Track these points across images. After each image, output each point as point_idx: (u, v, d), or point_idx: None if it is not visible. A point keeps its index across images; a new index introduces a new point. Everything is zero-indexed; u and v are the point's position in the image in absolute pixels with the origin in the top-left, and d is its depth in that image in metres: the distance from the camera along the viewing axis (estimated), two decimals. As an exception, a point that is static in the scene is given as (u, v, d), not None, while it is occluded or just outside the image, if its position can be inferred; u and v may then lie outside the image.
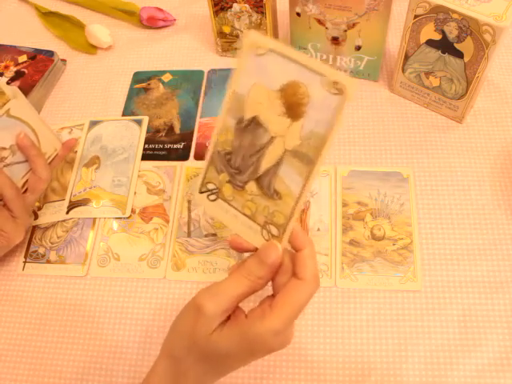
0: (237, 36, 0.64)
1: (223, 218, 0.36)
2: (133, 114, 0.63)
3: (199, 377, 0.36)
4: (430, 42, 0.52)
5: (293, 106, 0.31)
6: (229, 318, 0.34)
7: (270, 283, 0.35)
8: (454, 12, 0.47)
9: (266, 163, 0.33)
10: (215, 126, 0.35)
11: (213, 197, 0.36)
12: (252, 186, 0.34)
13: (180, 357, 0.35)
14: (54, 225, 0.56)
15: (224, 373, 0.37)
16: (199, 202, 0.37)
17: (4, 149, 0.51)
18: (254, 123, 0.33)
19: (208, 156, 0.36)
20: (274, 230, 0.34)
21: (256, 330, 0.33)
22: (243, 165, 0.34)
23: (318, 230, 0.52)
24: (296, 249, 0.35)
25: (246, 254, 0.37)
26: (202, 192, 0.37)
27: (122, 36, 0.71)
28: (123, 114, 0.64)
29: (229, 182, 0.35)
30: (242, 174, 0.35)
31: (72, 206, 0.57)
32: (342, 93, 0.29)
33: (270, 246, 0.34)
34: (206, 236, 0.54)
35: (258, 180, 0.34)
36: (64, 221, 0.56)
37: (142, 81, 0.66)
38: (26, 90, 0.63)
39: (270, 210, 0.34)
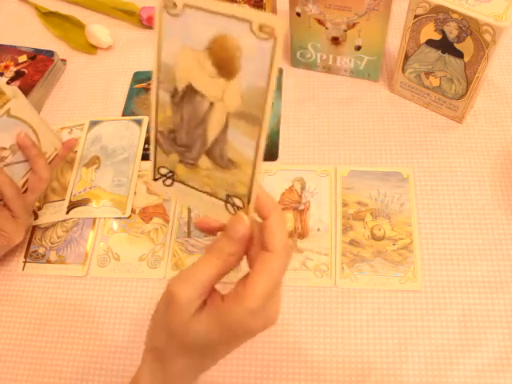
0: (237, 36, 0.63)
1: (185, 200, 0.34)
2: (133, 114, 0.63)
3: (183, 370, 0.34)
4: (430, 42, 0.52)
5: (224, 63, 0.27)
6: (205, 302, 0.32)
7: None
8: (454, 12, 0.47)
9: (212, 133, 0.30)
10: (149, 105, 0.31)
11: (168, 181, 0.34)
12: (205, 161, 0.32)
13: (161, 349, 0.34)
14: (54, 225, 0.56)
15: (208, 364, 0.35)
16: (157, 190, 0.35)
17: (4, 148, 0.51)
18: (189, 92, 0.30)
19: (152, 139, 0.33)
20: (238, 202, 0.31)
21: (233, 314, 0.31)
22: (190, 140, 0.31)
23: (318, 230, 0.52)
24: (263, 217, 0.32)
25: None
26: (156, 179, 0.34)
27: (122, 36, 0.71)
28: (123, 114, 0.64)
29: (180, 161, 0.32)
30: (191, 150, 0.32)
31: (72, 205, 0.57)
32: (272, 36, 0.25)
33: (237, 219, 0.32)
34: (205, 236, 0.54)
35: (209, 153, 0.31)
36: (64, 221, 0.56)
37: (141, 81, 0.66)
38: (26, 90, 0.63)
39: (229, 181, 0.31)
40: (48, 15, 0.74)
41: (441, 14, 0.48)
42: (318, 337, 0.47)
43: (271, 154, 0.58)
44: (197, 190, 0.33)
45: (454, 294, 0.48)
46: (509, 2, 0.47)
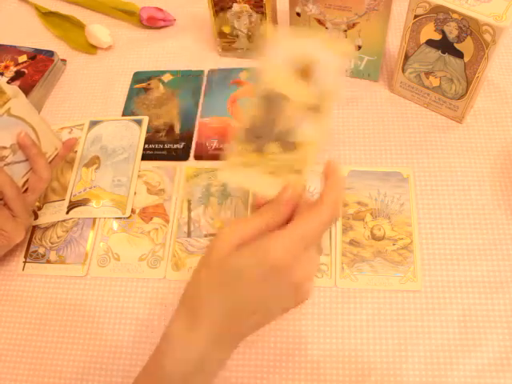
0: (237, 36, 0.64)
1: (249, 185, 0.41)
2: (133, 113, 0.63)
3: (214, 309, 0.35)
4: (430, 42, 0.52)
5: (306, 72, 0.38)
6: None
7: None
8: (454, 12, 0.47)
9: (286, 124, 0.38)
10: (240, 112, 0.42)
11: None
12: (272, 146, 0.38)
13: (194, 294, 0.36)
14: (54, 225, 0.56)
15: (240, 302, 0.35)
16: (224, 177, 0.41)
17: (4, 148, 0.51)
18: (274, 93, 0.39)
19: (232, 134, 0.40)
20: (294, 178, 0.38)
21: (266, 242, 0.33)
22: (266, 131, 0.39)
23: (318, 229, 0.52)
24: (325, 177, 0.37)
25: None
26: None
27: (122, 36, 0.71)
28: (123, 114, 0.64)
29: (254, 150, 0.39)
30: (264, 139, 0.38)
31: (72, 205, 0.57)
32: (342, 56, 0.38)
33: (284, 187, 0.36)
34: (205, 236, 0.54)
35: (279, 139, 0.38)
36: (64, 221, 0.56)
37: (142, 81, 0.66)
38: (26, 90, 0.63)
39: (292, 161, 0.38)
40: (48, 15, 0.74)
41: (441, 14, 0.48)
42: (317, 337, 0.47)
43: (271, 153, 0.58)
44: (262, 173, 0.38)
45: (454, 294, 0.48)
46: (509, 2, 0.47)
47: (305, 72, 0.38)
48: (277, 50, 0.39)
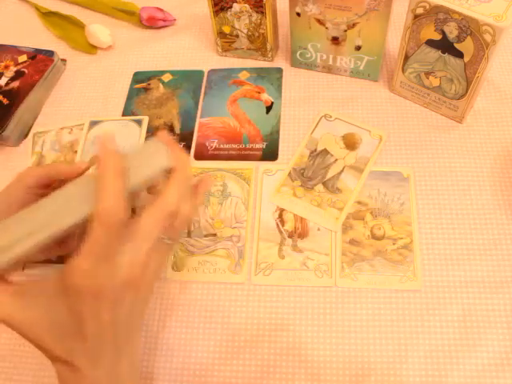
0: (237, 36, 0.64)
1: (296, 210, 0.54)
2: (133, 114, 0.63)
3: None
4: (430, 42, 0.52)
5: (351, 144, 0.57)
6: None
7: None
8: (454, 12, 0.47)
9: (331, 173, 0.55)
10: (293, 154, 0.57)
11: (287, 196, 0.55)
12: (319, 187, 0.54)
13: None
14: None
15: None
16: (276, 202, 0.54)
17: None
18: (324, 152, 0.56)
19: (286, 172, 0.56)
20: (335, 211, 0.53)
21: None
22: (314, 175, 0.55)
23: (318, 229, 0.52)
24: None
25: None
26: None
27: (121, 36, 0.71)
28: (123, 114, 0.64)
29: (300, 186, 0.55)
30: (312, 180, 0.55)
31: (72, 205, 0.57)
32: (381, 139, 0.57)
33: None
34: (205, 236, 0.54)
35: (325, 183, 0.55)
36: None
37: (141, 81, 0.66)
38: (26, 90, 0.63)
39: (333, 200, 0.53)
40: (48, 15, 0.74)
41: (441, 14, 0.48)
42: (317, 337, 0.47)
43: (271, 153, 0.58)
44: (307, 203, 0.54)
45: (453, 294, 0.48)
46: (509, 2, 0.47)
47: (351, 144, 0.57)
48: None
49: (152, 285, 0.39)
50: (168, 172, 0.38)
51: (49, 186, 0.43)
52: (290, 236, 0.52)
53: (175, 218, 0.38)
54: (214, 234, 0.53)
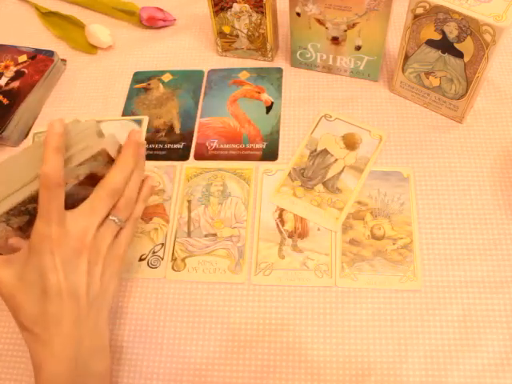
0: (237, 36, 0.64)
1: (296, 210, 0.54)
2: (133, 114, 0.63)
3: None
4: (430, 42, 0.52)
5: (351, 144, 0.57)
6: None
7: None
8: (454, 12, 0.47)
9: (331, 173, 0.55)
10: (293, 154, 0.57)
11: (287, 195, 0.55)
12: (319, 187, 0.54)
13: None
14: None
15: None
16: (276, 202, 0.54)
17: None
18: (324, 152, 0.56)
19: (286, 172, 0.56)
20: (335, 211, 0.53)
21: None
22: (314, 175, 0.55)
23: (318, 229, 0.52)
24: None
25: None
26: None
27: (121, 36, 0.71)
28: (123, 114, 0.64)
29: (300, 186, 0.55)
30: (312, 180, 0.55)
31: (72, 205, 0.57)
32: (381, 139, 0.57)
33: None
34: (205, 236, 0.54)
35: (325, 183, 0.55)
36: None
37: (141, 81, 0.66)
38: (26, 90, 0.63)
39: (333, 200, 0.53)
40: (48, 15, 0.74)
41: (441, 14, 0.48)
42: (317, 337, 0.47)
43: (271, 153, 0.58)
44: (307, 203, 0.54)
45: (454, 294, 0.48)
46: (509, 2, 0.47)
47: (351, 144, 0.57)
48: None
49: (114, 264, 0.43)
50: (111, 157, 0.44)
51: None
52: (290, 236, 0.52)
53: (120, 198, 0.43)
54: (214, 234, 0.53)
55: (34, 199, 0.40)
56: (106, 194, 0.42)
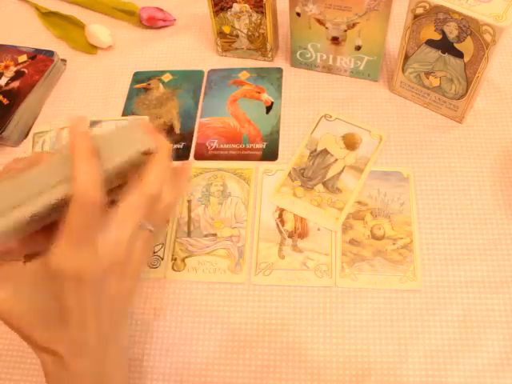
0: (237, 36, 0.64)
1: (296, 210, 0.54)
2: (133, 114, 0.63)
3: None
4: (430, 42, 0.52)
5: (351, 144, 0.57)
6: None
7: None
8: (454, 12, 0.47)
9: (331, 173, 0.55)
10: (293, 154, 0.57)
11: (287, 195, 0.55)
12: (319, 187, 0.54)
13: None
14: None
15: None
16: (276, 202, 0.54)
17: None
18: (324, 152, 0.57)
19: (286, 172, 0.56)
20: (335, 211, 0.53)
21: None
22: (314, 175, 0.55)
23: (318, 229, 0.52)
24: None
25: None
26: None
27: (121, 36, 0.71)
28: (123, 114, 0.64)
29: (300, 186, 0.55)
30: (312, 180, 0.55)
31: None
32: (381, 139, 0.57)
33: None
34: (205, 236, 0.54)
35: (325, 183, 0.55)
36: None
37: (141, 81, 0.66)
38: (26, 90, 0.63)
39: (333, 200, 0.53)
40: (48, 15, 0.74)
41: (441, 14, 0.48)
42: (317, 337, 0.47)
43: (271, 153, 0.58)
44: (307, 203, 0.54)
45: (454, 294, 0.48)
46: (509, 2, 0.47)
47: (351, 144, 0.57)
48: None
49: (138, 272, 0.38)
50: (148, 156, 0.37)
51: None
52: (290, 236, 0.52)
53: (157, 203, 0.37)
54: (214, 234, 0.53)
55: (53, 210, 0.35)
56: (144, 202, 0.36)
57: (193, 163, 0.56)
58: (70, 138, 0.34)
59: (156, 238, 0.40)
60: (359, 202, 0.54)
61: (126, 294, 0.38)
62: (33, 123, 0.64)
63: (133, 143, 0.36)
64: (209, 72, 0.66)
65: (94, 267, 0.34)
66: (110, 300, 0.36)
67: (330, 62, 0.62)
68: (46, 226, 0.36)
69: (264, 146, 0.59)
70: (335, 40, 0.58)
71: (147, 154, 0.37)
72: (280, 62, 0.66)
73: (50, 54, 0.67)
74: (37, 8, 0.75)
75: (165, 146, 0.38)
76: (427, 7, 0.49)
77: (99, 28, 0.69)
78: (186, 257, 0.52)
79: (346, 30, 0.57)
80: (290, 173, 0.56)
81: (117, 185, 0.37)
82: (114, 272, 0.35)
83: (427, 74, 0.55)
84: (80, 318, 0.34)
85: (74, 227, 0.33)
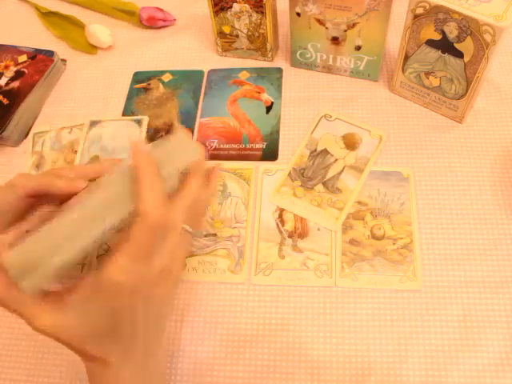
0: (237, 36, 0.64)
1: (296, 210, 0.54)
2: (133, 114, 0.63)
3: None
4: (430, 42, 0.52)
5: (351, 144, 0.57)
6: None
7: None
8: (454, 12, 0.47)
9: (331, 173, 0.55)
10: (293, 154, 0.57)
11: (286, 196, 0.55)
12: (319, 187, 0.54)
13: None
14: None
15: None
16: (276, 202, 0.54)
17: None
18: (324, 152, 0.57)
19: (286, 172, 0.56)
20: (335, 211, 0.53)
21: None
22: (314, 175, 0.55)
23: (318, 229, 0.52)
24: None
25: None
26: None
27: (121, 36, 0.71)
28: (123, 114, 0.64)
29: (300, 186, 0.55)
30: (312, 180, 0.55)
31: (72, 205, 0.57)
32: (381, 139, 0.57)
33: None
34: (205, 236, 0.54)
35: (325, 183, 0.55)
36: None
37: (141, 81, 0.66)
38: (26, 90, 0.63)
39: (333, 200, 0.53)
40: (48, 15, 0.74)
41: (441, 14, 0.48)
42: (317, 337, 0.47)
43: (271, 153, 0.58)
44: (307, 203, 0.54)
45: (454, 294, 0.48)
46: (509, 2, 0.47)
47: (351, 144, 0.57)
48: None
49: (178, 276, 0.40)
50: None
51: (42, 196, 0.40)
52: (290, 236, 0.52)
53: (195, 205, 0.39)
54: (214, 234, 0.53)
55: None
56: (188, 207, 0.38)
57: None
58: (134, 158, 0.35)
59: (192, 239, 0.41)
60: (359, 202, 0.54)
61: (169, 298, 0.39)
62: (33, 123, 0.64)
63: (188, 154, 0.39)
64: (209, 72, 0.66)
65: (147, 281, 0.35)
66: (157, 306, 0.37)
67: (330, 62, 0.62)
68: None
69: (264, 146, 0.59)
70: (335, 40, 0.58)
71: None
72: (280, 62, 0.66)
73: (50, 54, 0.67)
74: (37, 8, 0.75)
75: (200, 152, 0.41)
76: (427, 7, 0.49)
77: (99, 28, 0.69)
78: (186, 257, 0.52)
79: (346, 30, 0.57)
80: (290, 173, 0.56)
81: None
82: (161, 278, 0.36)
83: (427, 73, 0.55)
84: (132, 327, 0.35)
85: (139, 245, 0.34)
